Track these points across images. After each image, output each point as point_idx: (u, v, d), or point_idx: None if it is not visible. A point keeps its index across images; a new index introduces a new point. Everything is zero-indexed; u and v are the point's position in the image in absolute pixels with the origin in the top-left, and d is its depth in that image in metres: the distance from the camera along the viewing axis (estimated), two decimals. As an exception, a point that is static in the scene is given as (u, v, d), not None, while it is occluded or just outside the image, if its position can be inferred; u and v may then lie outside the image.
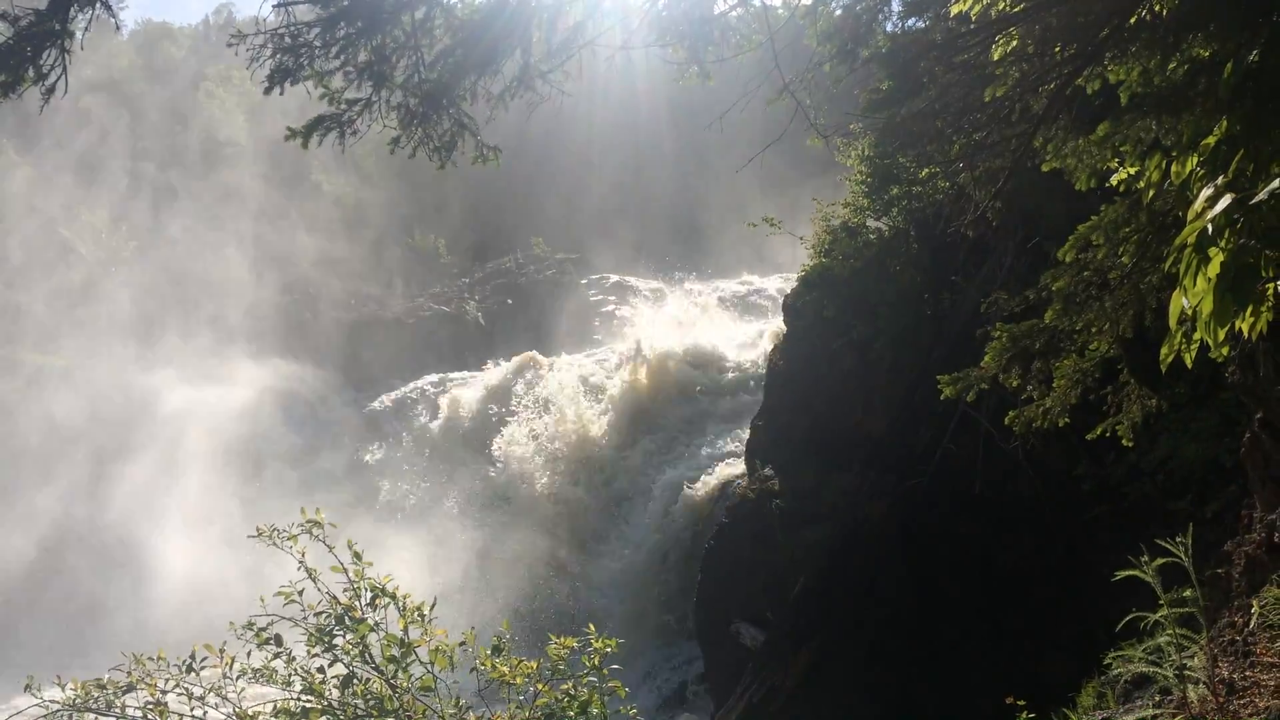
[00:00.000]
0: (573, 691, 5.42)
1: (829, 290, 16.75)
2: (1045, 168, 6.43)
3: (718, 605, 15.36)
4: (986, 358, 6.87)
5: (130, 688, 4.91)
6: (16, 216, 32.69)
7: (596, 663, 5.44)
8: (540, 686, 5.45)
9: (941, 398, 7.54)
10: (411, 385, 28.62)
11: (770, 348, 20.06)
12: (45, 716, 4.87)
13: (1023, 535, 12.91)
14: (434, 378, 28.78)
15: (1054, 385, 7.16)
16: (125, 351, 27.75)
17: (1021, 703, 6.51)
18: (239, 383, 26.79)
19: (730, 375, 23.53)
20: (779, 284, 33.61)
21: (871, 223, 17.10)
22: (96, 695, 4.93)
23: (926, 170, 16.13)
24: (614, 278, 38.46)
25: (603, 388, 24.05)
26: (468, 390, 26.65)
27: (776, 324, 24.51)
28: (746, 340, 25.54)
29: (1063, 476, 12.29)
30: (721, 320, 30.05)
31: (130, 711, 4.90)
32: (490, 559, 20.00)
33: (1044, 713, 7.00)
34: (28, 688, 4.96)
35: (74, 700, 4.92)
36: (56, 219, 33.70)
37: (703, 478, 19.32)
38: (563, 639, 5.59)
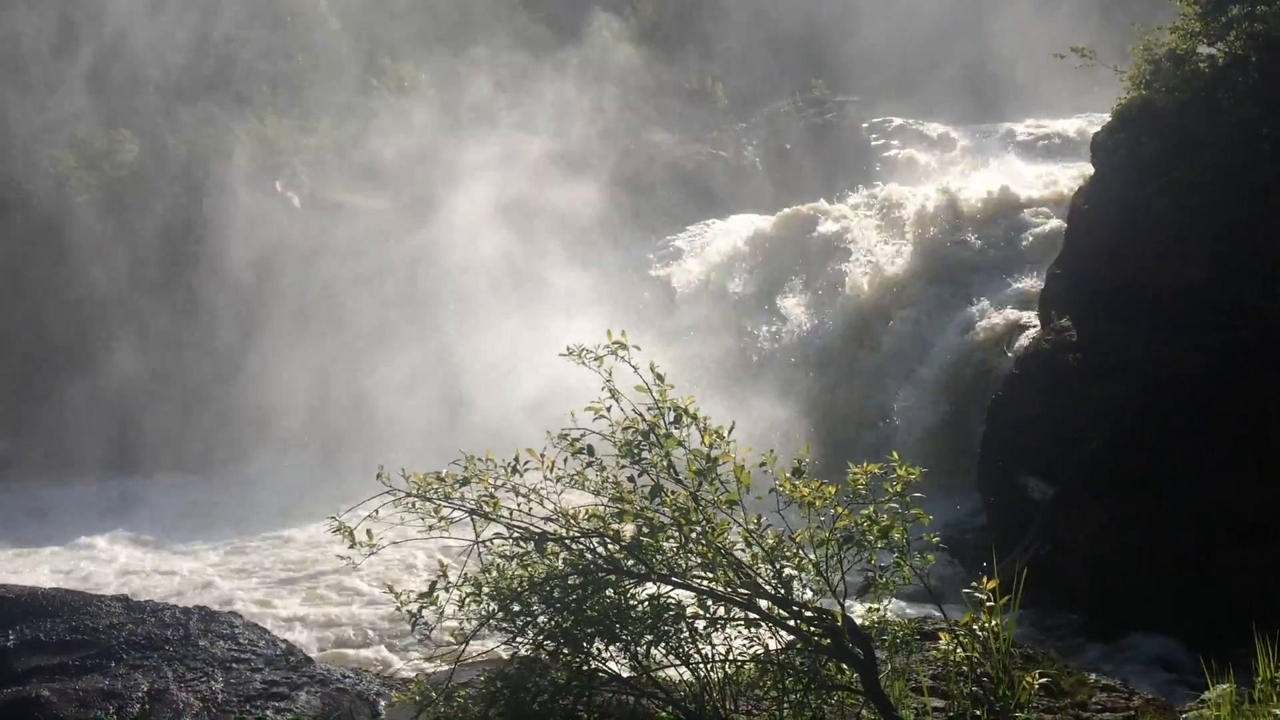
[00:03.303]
0: (874, 516, 5.41)
1: (1148, 126, 15.20)
2: None
3: (1003, 457, 14.85)
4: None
5: (465, 482, 5.38)
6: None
7: (899, 489, 5.39)
8: (839, 510, 5.48)
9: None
10: (690, 228, 28.83)
11: (1072, 191, 18.59)
12: (392, 501, 5.45)
13: (1364, 401, 11.61)
14: (713, 222, 28.81)
15: None
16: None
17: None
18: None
19: (1024, 221, 22.05)
20: (1080, 125, 30.87)
21: (1203, 49, 15.24)
22: (436, 487, 5.44)
23: (1279, -16, 14.14)
24: (896, 121, 36.54)
25: (889, 231, 23.29)
26: (744, 237, 26.48)
27: (1077, 168, 22.62)
28: (1043, 184, 23.74)
29: None
30: (1014, 163, 28.03)
31: (467, 503, 5.40)
32: (774, 397, 20.19)
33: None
34: (378, 477, 5.50)
35: (416, 490, 5.46)
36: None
37: (992, 326, 18.49)
38: (864, 465, 5.56)
